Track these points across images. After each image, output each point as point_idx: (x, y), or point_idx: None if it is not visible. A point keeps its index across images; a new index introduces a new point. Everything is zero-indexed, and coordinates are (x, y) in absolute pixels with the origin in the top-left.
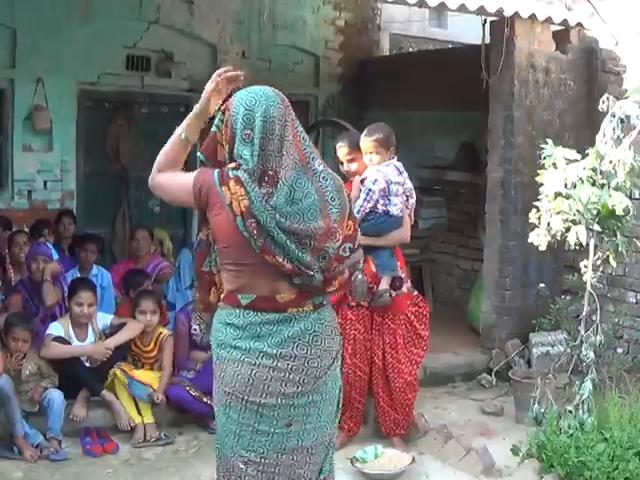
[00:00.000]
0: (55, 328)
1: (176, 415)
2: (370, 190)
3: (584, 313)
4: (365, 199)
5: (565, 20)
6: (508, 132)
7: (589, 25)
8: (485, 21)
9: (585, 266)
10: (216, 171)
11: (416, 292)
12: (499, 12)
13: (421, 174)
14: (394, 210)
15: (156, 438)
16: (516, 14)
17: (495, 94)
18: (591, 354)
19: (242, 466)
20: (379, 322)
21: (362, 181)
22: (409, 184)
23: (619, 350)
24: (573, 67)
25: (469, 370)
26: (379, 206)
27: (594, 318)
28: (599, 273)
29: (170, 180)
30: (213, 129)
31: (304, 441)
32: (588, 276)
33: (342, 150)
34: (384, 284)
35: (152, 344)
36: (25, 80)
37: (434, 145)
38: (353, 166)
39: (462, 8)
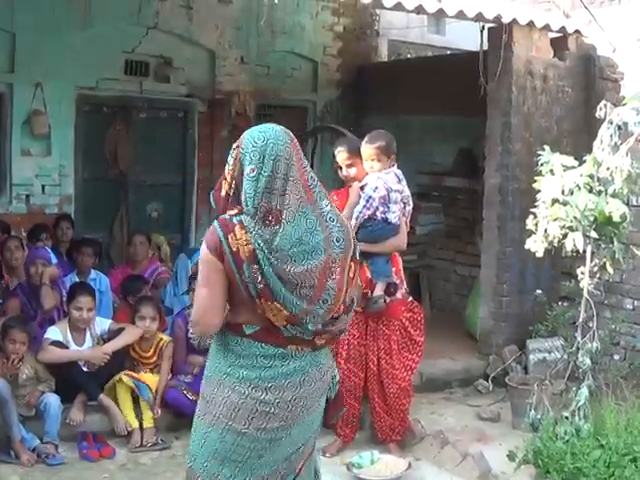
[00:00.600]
0: (53, 332)
1: (173, 420)
2: (370, 197)
3: (580, 320)
4: (365, 206)
5: (563, 27)
6: (506, 138)
7: (587, 32)
8: (483, 28)
9: (582, 273)
10: (216, 224)
11: (411, 298)
12: (497, 19)
13: (419, 180)
14: (392, 218)
15: (153, 443)
16: (514, 21)
17: (493, 100)
18: (587, 361)
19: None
20: (373, 328)
21: (362, 188)
22: (407, 191)
23: (616, 357)
24: (571, 74)
25: (466, 376)
26: (378, 213)
27: (591, 325)
28: (596, 280)
29: (205, 296)
30: (225, 170)
31: (270, 469)
32: (585, 283)
33: (341, 155)
34: (378, 290)
35: (152, 350)
36: (24, 84)
37: (432, 151)
38: (352, 171)
39: (460, 15)
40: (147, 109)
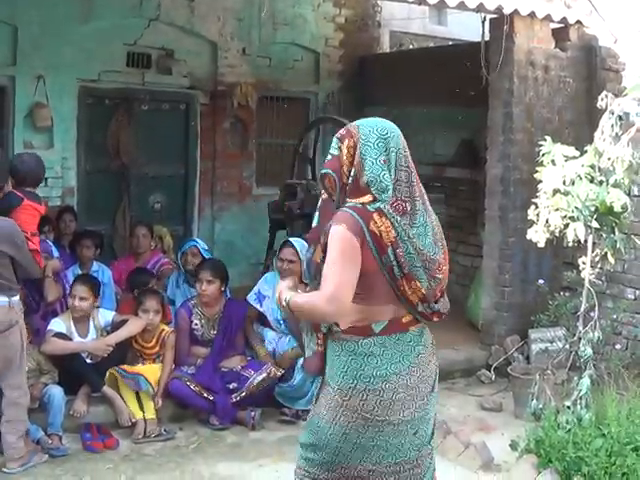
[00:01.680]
0: (56, 324)
1: (176, 410)
2: None
3: (582, 309)
4: None
5: (564, 18)
6: (507, 129)
7: (588, 23)
8: (484, 18)
9: (583, 263)
10: (353, 213)
11: None
12: (498, 9)
13: (421, 170)
14: None
15: (157, 434)
16: (515, 11)
17: (494, 91)
18: (589, 350)
19: (368, 474)
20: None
21: None
22: None
23: (617, 346)
24: (572, 64)
25: (468, 366)
26: None
27: (592, 314)
28: (598, 270)
29: (343, 273)
30: (335, 152)
31: (421, 448)
32: (586, 273)
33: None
34: None
35: (154, 341)
36: (26, 77)
37: (434, 142)
38: None
39: (461, 6)
40: (149, 101)
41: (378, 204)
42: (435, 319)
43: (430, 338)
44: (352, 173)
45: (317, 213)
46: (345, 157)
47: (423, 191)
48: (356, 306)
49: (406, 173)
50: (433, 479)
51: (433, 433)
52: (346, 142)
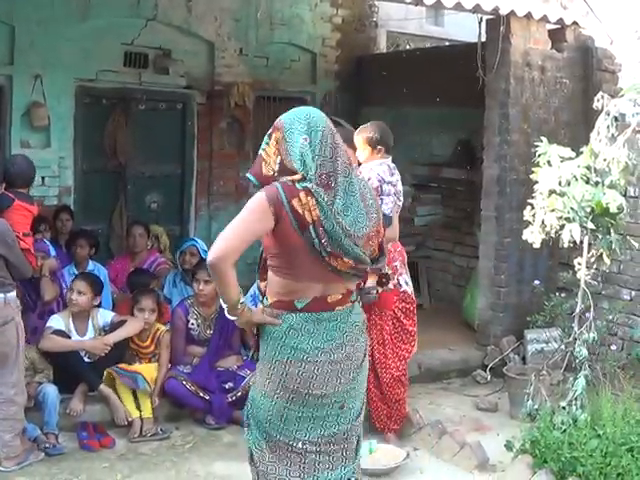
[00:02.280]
0: (55, 321)
1: (173, 410)
2: None
3: (577, 310)
4: None
5: (561, 19)
6: (504, 130)
7: (584, 24)
8: (481, 19)
9: (579, 263)
10: (278, 186)
11: (403, 288)
12: (495, 10)
13: (418, 171)
14: (386, 209)
15: (153, 433)
16: (512, 12)
17: (491, 92)
18: (584, 351)
19: (302, 446)
20: (366, 318)
21: None
22: (400, 186)
23: (613, 347)
24: (569, 65)
25: (464, 366)
26: None
27: (588, 315)
28: (593, 270)
29: (240, 225)
30: (260, 151)
31: (349, 422)
32: (582, 274)
33: None
34: (371, 281)
35: (149, 340)
36: (23, 76)
37: (431, 142)
38: None
39: (458, 6)
40: (146, 101)
41: (306, 183)
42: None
43: (360, 317)
44: (278, 160)
45: None
46: (272, 151)
47: (348, 164)
48: (280, 280)
49: (331, 149)
50: (359, 458)
51: (361, 409)
52: (273, 136)
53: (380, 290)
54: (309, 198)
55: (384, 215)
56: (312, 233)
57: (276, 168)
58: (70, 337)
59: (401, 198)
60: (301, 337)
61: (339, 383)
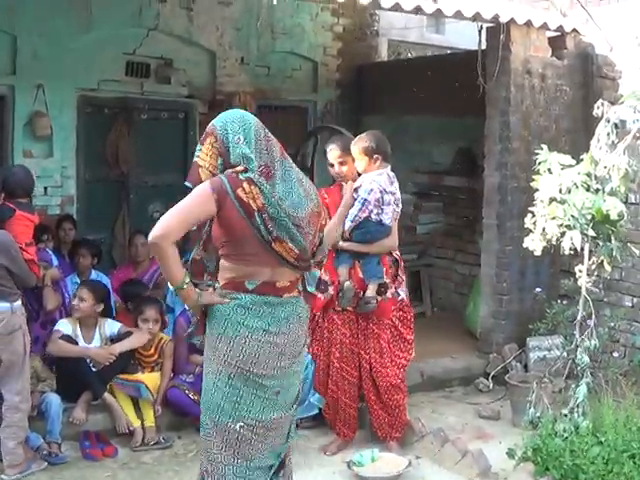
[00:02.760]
0: (63, 325)
1: (175, 419)
2: (366, 200)
3: (579, 317)
4: (360, 209)
5: (561, 26)
6: (504, 137)
7: (584, 31)
8: (481, 27)
9: (580, 271)
10: (223, 177)
11: (401, 297)
12: (495, 18)
13: (419, 179)
14: (386, 219)
15: (155, 442)
16: (512, 20)
17: (491, 100)
18: (586, 358)
19: (238, 429)
20: (364, 327)
21: (356, 189)
22: (399, 194)
23: (615, 354)
24: (569, 73)
25: (466, 374)
26: (372, 215)
27: (589, 322)
28: (594, 278)
29: (183, 208)
30: (195, 159)
31: (284, 410)
32: (583, 281)
33: (334, 153)
34: (371, 291)
35: (153, 349)
36: (25, 86)
37: (432, 150)
38: (344, 169)
39: (458, 15)
40: (148, 110)
41: (248, 173)
42: (315, 268)
43: (304, 311)
44: (219, 162)
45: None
46: (208, 155)
47: (281, 153)
48: (231, 265)
49: (265, 142)
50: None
51: (296, 402)
52: (208, 141)
53: (379, 299)
54: (252, 187)
55: (383, 225)
56: (258, 219)
57: (220, 169)
58: (77, 343)
59: (400, 205)
60: (248, 315)
61: (278, 366)
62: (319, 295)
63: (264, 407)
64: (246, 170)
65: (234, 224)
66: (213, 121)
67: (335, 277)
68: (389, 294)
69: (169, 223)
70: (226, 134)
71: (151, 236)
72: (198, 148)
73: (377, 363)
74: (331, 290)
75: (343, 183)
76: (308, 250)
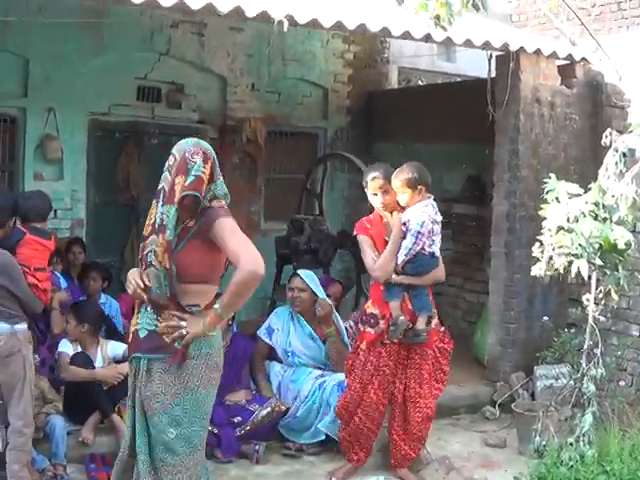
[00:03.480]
0: (65, 345)
1: None
2: (419, 233)
3: (586, 346)
4: (415, 242)
5: (570, 55)
6: (513, 166)
7: (594, 60)
8: (491, 55)
9: (587, 300)
10: (226, 207)
11: (443, 328)
12: (505, 47)
13: None
14: (436, 250)
15: None
16: (521, 49)
17: (501, 128)
18: (592, 387)
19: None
20: (405, 356)
21: (404, 223)
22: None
23: (622, 383)
24: (578, 101)
25: (473, 402)
26: (425, 247)
27: (596, 351)
28: (602, 306)
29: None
30: (200, 174)
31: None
32: (590, 309)
33: (377, 181)
34: (421, 323)
35: None
36: (37, 109)
37: (441, 178)
38: (387, 198)
39: (468, 43)
40: (159, 135)
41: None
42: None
43: None
44: (212, 187)
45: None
46: (206, 176)
47: None
48: (208, 287)
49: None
50: None
51: None
52: (209, 162)
53: (428, 330)
54: None
55: (433, 256)
56: None
57: (208, 195)
58: (91, 360)
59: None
60: (217, 332)
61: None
62: (369, 329)
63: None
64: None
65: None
66: (206, 144)
67: (386, 311)
68: (433, 324)
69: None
70: (214, 164)
71: (262, 271)
72: (201, 165)
73: (415, 394)
74: (382, 324)
75: (386, 213)
76: None
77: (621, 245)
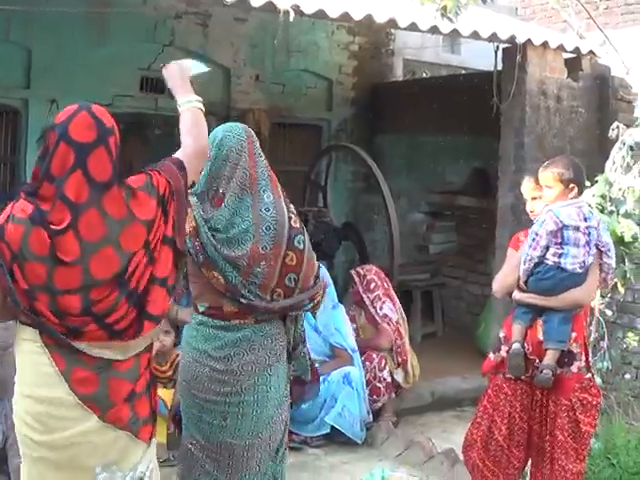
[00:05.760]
0: None
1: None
2: (537, 234)
3: (592, 339)
4: (530, 246)
5: (577, 48)
6: (519, 158)
7: (601, 53)
8: (497, 48)
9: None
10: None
11: (590, 374)
12: (511, 39)
13: (432, 199)
14: (568, 263)
15: (164, 459)
16: (528, 41)
17: (506, 120)
18: (598, 380)
19: (190, 447)
20: (541, 402)
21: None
22: (604, 236)
23: (627, 376)
24: (584, 94)
25: (477, 394)
26: (549, 255)
27: (602, 344)
28: (608, 299)
29: None
30: None
31: (240, 438)
32: (596, 302)
33: (526, 185)
34: (548, 358)
35: (167, 365)
36: (39, 101)
37: (445, 170)
38: (538, 206)
39: (475, 35)
40: (162, 126)
41: (191, 197)
42: (261, 317)
43: (261, 339)
44: None
45: None
46: None
47: (246, 184)
48: (191, 285)
49: (231, 168)
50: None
51: (264, 430)
52: None
53: (558, 371)
54: (189, 209)
55: (566, 271)
56: (189, 242)
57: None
58: None
59: (611, 254)
60: (196, 337)
61: (220, 392)
62: (490, 355)
63: (211, 431)
64: (192, 193)
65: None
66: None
67: (510, 335)
68: (575, 368)
69: None
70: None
71: None
72: None
73: (551, 449)
74: (504, 351)
75: None
76: (246, 289)
77: (628, 238)
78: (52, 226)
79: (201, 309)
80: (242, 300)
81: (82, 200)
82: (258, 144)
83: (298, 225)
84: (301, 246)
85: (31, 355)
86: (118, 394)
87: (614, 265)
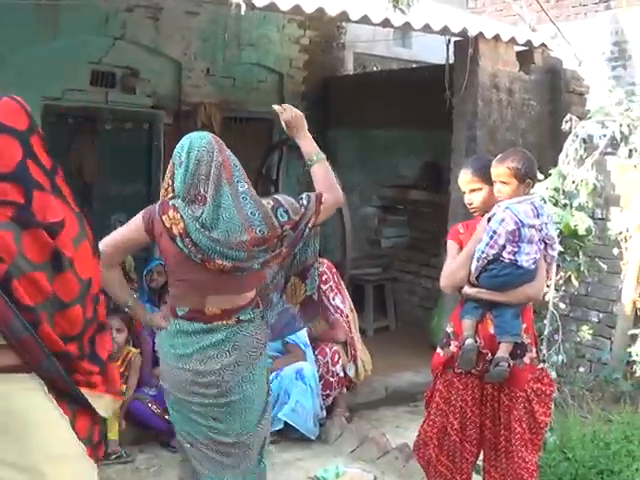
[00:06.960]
0: None
1: (137, 433)
2: (495, 232)
3: (546, 332)
4: (488, 243)
5: (529, 41)
6: (471, 151)
7: (553, 46)
8: (449, 41)
9: (547, 286)
10: (157, 205)
11: (541, 365)
12: (463, 32)
13: (384, 193)
14: (524, 260)
15: (117, 455)
16: (480, 34)
17: (458, 113)
18: (552, 373)
19: (188, 446)
20: (492, 396)
21: (489, 220)
22: (551, 231)
23: (581, 369)
24: (536, 87)
25: None
26: (505, 253)
27: (556, 337)
28: (562, 292)
29: (118, 235)
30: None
31: (233, 437)
32: (550, 296)
33: (464, 177)
34: (502, 351)
35: (120, 362)
36: None
37: (398, 164)
38: (476, 198)
39: (426, 28)
40: (113, 120)
41: (174, 200)
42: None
43: (241, 339)
44: (171, 183)
45: None
46: (169, 176)
47: (224, 178)
48: (172, 289)
49: (206, 168)
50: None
51: (254, 428)
52: (170, 165)
53: (512, 363)
54: (175, 213)
55: (521, 268)
56: (180, 243)
57: (170, 191)
58: None
59: (555, 247)
60: (176, 341)
61: (206, 395)
62: (438, 350)
63: (203, 431)
64: (174, 197)
65: (166, 249)
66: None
67: (460, 330)
68: (527, 359)
69: (104, 249)
70: (174, 160)
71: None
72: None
73: (507, 442)
74: (453, 346)
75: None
76: (249, 262)
77: (582, 231)
78: None
79: (180, 313)
80: (256, 266)
81: None
82: (222, 141)
83: (271, 202)
84: (284, 218)
85: None
86: None
87: (556, 257)
